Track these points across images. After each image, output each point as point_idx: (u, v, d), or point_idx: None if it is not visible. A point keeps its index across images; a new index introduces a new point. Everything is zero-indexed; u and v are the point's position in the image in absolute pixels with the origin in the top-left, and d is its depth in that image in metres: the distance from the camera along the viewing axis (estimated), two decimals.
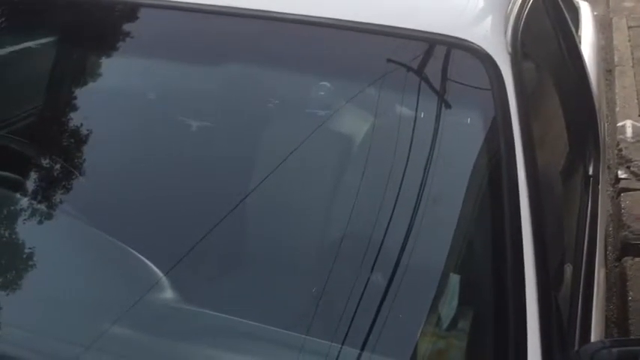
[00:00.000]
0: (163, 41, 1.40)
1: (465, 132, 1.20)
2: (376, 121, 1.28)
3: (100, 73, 1.46)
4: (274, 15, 1.29)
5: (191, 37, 1.39)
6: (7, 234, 1.27)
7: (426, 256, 1.10)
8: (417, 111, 1.23)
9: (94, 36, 1.47)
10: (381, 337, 1.05)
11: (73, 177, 1.32)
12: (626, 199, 3.28)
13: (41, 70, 1.55)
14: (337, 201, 1.23)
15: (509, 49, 1.24)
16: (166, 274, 1.12)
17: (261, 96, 1.38)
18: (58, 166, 1.36)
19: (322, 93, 1.32)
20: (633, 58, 4.56)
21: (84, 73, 1.51)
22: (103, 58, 1.48)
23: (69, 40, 1.53)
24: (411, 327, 1.07)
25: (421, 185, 1.15)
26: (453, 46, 1.24)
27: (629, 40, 4.83)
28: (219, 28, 1.37)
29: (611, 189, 3.40)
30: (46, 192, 1.32)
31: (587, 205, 1.66)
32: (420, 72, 1.25)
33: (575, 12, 2.53)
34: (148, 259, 1.14)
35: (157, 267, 1.13)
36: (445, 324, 1.08)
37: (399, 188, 1.17)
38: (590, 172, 1.78)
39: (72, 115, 1.42)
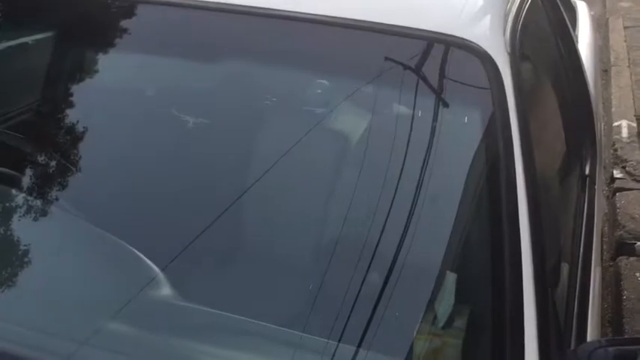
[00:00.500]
0: (161, 38, 1.40)
1: (463, 131, 1.20)
2: (374, 119, 1.27)
3: (97, 69, 1.46)
4: (273, 12, 1.29)
5: (188, 33, 1.39)
6: (2, 230, 1.26)
7: (423, 254, 1.10)
8: (414, 109, 1.23)
9: (90, 32, 1.47)
10: (377, 335, 1.05)
11: (70, 173, 1.32)
12: (621, 199, 3.29)
13: (38, 66, 1.55)
14: (334, 198, 1.22)
15: (508, 49, 1.25)
16: (163, 270, 1.11)
17: (258, 93, 1.38)
18: (54, 162, 1.36)
19: (320, 91, 1.32)
20: (629, 59, 4.57)
21: (80, 69, 1.50)
22: (100, 54, 1.47)
23: (65, 35, 1.52)
24: (408, 325, 1.07)
25: (419, 184, 1.15)
26: (452, 45, 1.24)
27: (625, 40, 4.85)
28: (217, 25, 1.37)
29: (607, 189, 3.41)
30: (43, 188, 1.31)
31: (584, 205, 1.66)
32: (418, 70, 1.24)
33: (572, 12, 2.53)
34: (145, 255, 1.13)
35: (155, 263, 1.13)
36: (442, 322, 1.08)
37: (397, 186, 1.17)
38: (587, 171, 1.78)
39: (68, 111, 1.41)
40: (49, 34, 1.55)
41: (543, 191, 1.30)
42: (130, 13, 1.43)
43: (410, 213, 1.13)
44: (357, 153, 1.26)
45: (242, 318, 1.10)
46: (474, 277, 1.10)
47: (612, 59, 4.66)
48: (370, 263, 1.11)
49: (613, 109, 4.02)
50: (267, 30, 1.32)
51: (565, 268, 1.40)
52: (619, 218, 3.16)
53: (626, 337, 1.23)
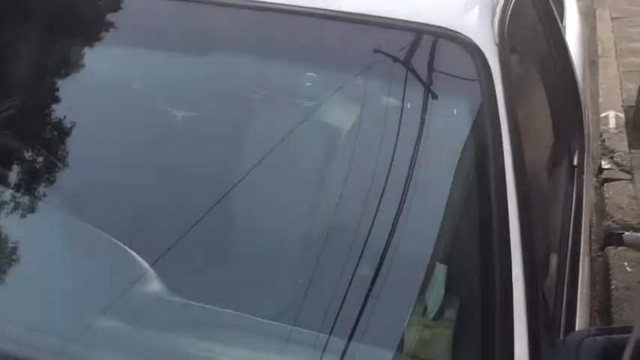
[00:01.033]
0: (147, 30, 1.39)
1: (452, 122, 1.20)
2: (363, 112, 1.27)
3: (82, 63, 1.44)
4: (260, 4, 1.28)
5: (176, 26, 1.38)
6: None
7: (413, 246, 1.10)
8: (403, 102, 1.23)
9: (75, 25, 1.45)
10: (368, 328, 1.05)
11: (58, 169, 1.31)
12: (609, 189, 3.31)
13: (22, 61, 1.53)
14: (324, 192, 1.22)
15: (497, 40, 1.25)
16: (152, 265, 1.11)
17: (247, 86, 1.37)
18: (41, 158, 1.35)
19: (309, 84, 1.32)
20: (616, 50, 4.59)
21: (66, 64, 1.49)
22: (85, 47, 1.46)
23: (50, 29, 1.51)
24: (399, 317, 1.08)
25: (408, 176, 1.15)
26: (441, 36, 1.24)
27: (613, 32, 4.87)
28: (205, 17, 1.36)
29: (595, 179, 3.43)
30: (31, 184, 1.30)
31: (572, 195, 1.67)
32: (407, 62, 1.24)
33: (560, 2, 2.54)
34: (134, 250, 1.13)
35: (144, 259, 1.12)
36: (432, 313, 1.09)
37: (386, 178, 1.17)
38: (575, 162, 1.79)
39: (54, 106, 1.40)
40: (33, 28, 1.54)
41: (532, 182, 1.30)
42: (115, 5, 1.41)
43: (399, 205, 1.13)
44: (346, 146, 1.25)
45: (233, 312, 1.10)
46: (464, 268, 1.11)
47: (600, 50, 4.68)
48: (360, 256, 1.11)
49: (600, 100, 4.04)
50: (254, 23, 1.32)
51: (554, 258, 1.41)
52: (607, 208, 3.18)
53: (614, 326, 1.24)
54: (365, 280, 1.09)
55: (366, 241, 1.12)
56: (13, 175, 1.33)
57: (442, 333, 1.07)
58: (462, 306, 1.08)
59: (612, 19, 5.05)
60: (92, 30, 1.42)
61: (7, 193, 1.28)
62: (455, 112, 1.21)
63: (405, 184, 1.15)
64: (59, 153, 1.33)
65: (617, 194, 3.25)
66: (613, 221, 3.07)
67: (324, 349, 1.05)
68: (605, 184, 3.35)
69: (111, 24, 1.41)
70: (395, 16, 1.25)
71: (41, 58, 1.52)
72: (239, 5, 1.30)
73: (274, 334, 1.09)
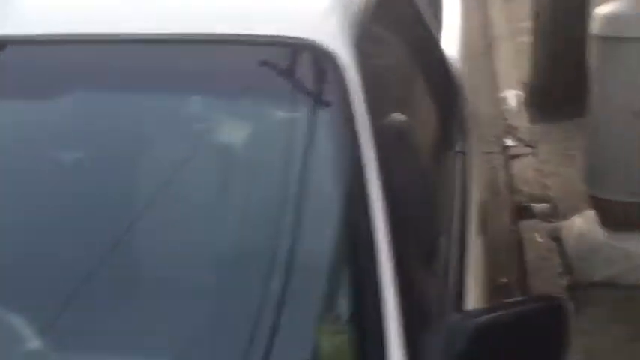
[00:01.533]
0: (11, 77, 1.38)
1: (314, 130, 1.24)
2: (231, 130, 1.30)
3: None
4: (111, 38, 1.31)
5: (44, 69, 1.38)
6: None
7: (289, 257, 1.13)
8: (264, 116, 1.28)
9: None
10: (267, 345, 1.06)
11: None
12: (515, 165, 3.46)
13: None
14: (204, 219, 1.24)
15: (354, 46, 1.30)
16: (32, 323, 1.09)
17: (124, 123, 1.39)
18: None
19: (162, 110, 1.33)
20: (510, 31, 4.79)
21: None
22: None
23: None
24: (292, 329, 1.09)
25: (280, 188, 1.19)
26: (299, 47, 1.28)
27: (504, 14, 5.07)
28: (69, 57, 1.37)
29: (502, 157, 3.58)
30: None
31: (458, 180, 1.75)
32: (267, 76, 1.28)
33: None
34: (12, 308, 1.11)
35: (24, 317, 1.10)
36: (327, 321, 1.12)
37: (262, 194, 1.20)
38: (458, 148, 1.88)
39: None
40: None
41: (411, 176, 1.36)
42: None
43: (274, 218, 1.16)
44: (211, 167, 1.27)
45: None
46: (341, 271, 1.15)
47: (495, 33, 4.87)
48: (249, 276, 1.14)
49: (499, 80, 4.21)
50: (107, 56, 1.33)
51: (443, 243, 1.48)
52: (515, 183, 3.32)
53: (484, 307, 1.30)
54: (257, 300, 1.10)
55: (249, 258, 1.15)
56: None
57: (337, 339, 1.09)
58: (347, 308, 1.11)
59: (505, 1, 5.26)
60: None
61: None
62: (316, 120, 1.25)
63: (278, 197, 1.18)
64: None
65: (523, 169, 3.41)
66: (522, 195, 3.21)
67: None
68: (512, 161, 3.50)
69: None
70: (250, 32, 1.29)
71: None
72: (97, 41, 1.32)
73: None
